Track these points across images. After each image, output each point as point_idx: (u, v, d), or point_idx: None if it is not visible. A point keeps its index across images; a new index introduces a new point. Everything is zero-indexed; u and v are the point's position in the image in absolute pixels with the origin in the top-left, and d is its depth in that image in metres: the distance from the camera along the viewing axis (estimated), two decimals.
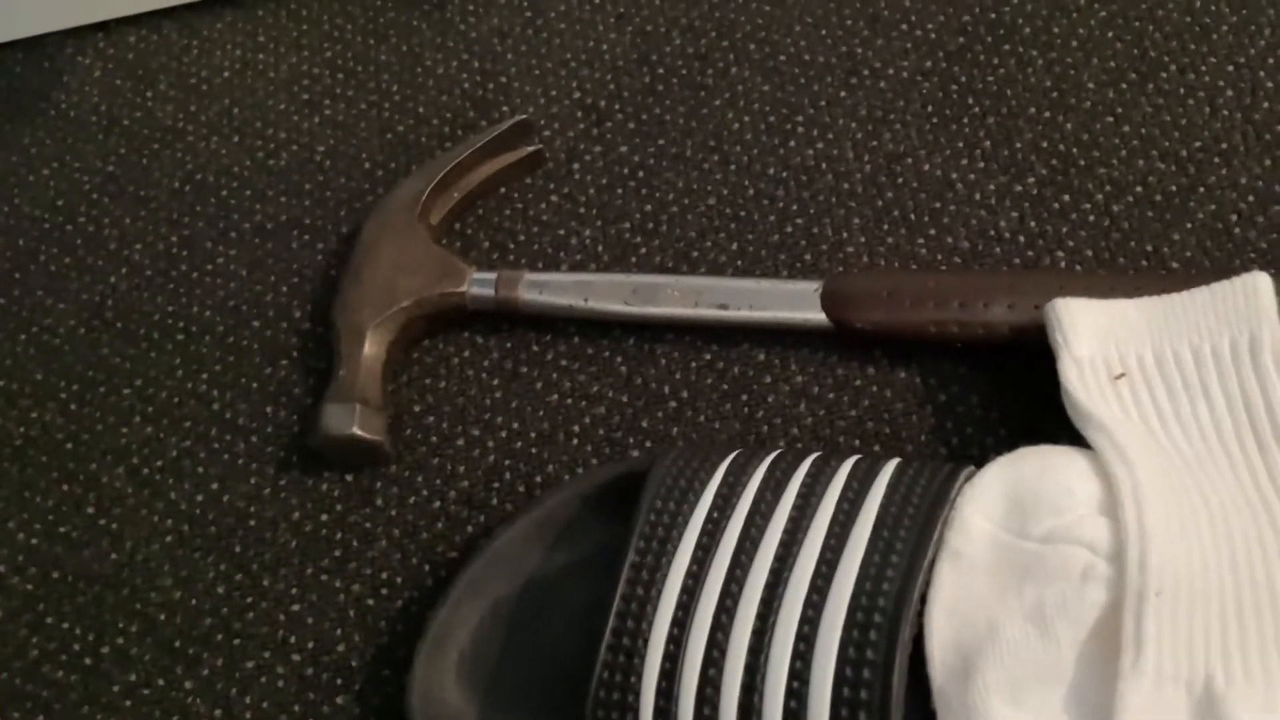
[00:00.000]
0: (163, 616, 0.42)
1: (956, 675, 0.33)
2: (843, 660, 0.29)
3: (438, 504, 0.43)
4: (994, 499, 0.34)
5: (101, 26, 0.57)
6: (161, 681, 0.41)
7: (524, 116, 0.48)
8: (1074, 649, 0.32)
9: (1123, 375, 0.37)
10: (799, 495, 0.34)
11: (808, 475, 0.34)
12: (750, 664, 0.30)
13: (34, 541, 0.44)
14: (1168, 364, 0.37)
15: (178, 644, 0.41)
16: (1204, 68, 0.47)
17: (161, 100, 0.55)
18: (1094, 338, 0.38)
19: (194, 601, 0.42)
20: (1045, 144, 0.47)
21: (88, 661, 0.41)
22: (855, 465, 0.35)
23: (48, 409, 0.47)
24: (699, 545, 0.33)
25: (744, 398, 0.43)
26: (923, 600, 0.33)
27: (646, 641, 0.32)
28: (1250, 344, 0.36)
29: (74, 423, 0.46)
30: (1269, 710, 0.31)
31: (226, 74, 0.55)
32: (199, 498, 0.44)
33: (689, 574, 0.32)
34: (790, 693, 0.29)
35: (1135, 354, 0.37)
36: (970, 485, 0.35)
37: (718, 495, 0.34)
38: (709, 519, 0.34)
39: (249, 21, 0.56)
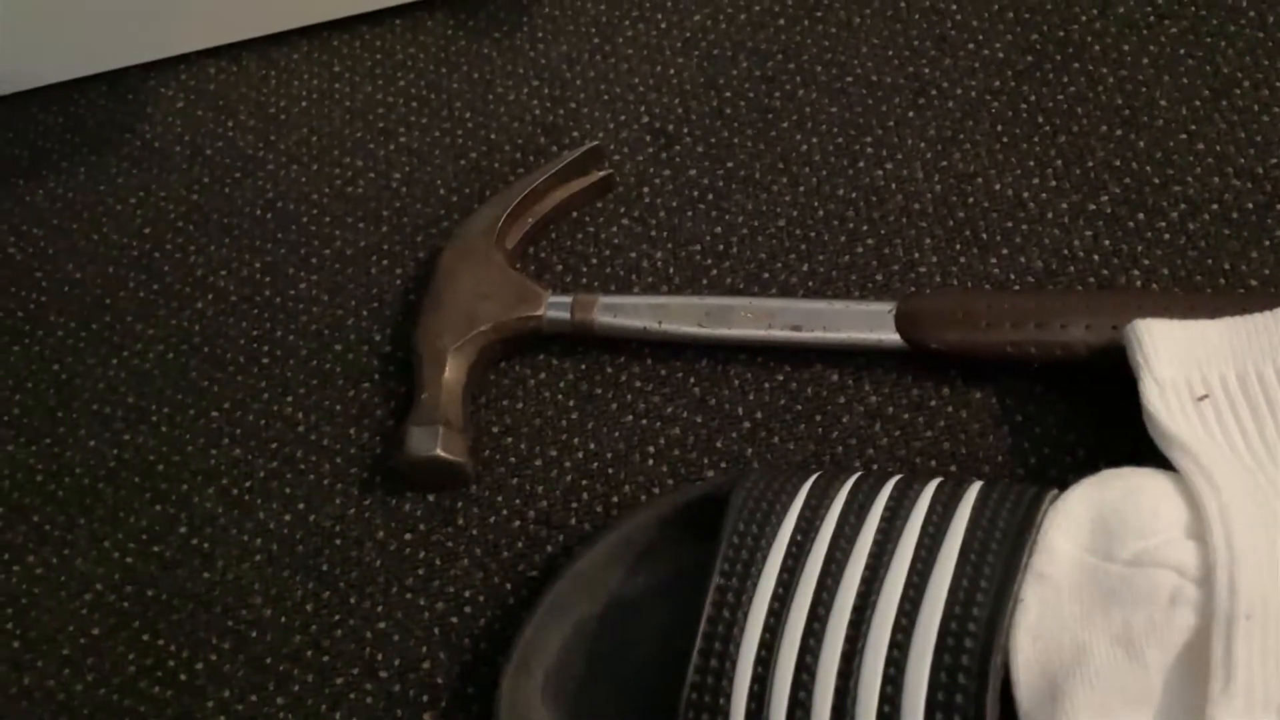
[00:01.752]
0: (254, 634, 0.43)
1: (1043, 698, 0.33)
2: (934, 687, 0.30)
3: (517, 523, 0.44)
4: (1079, 522, 0.34)
5: (182, 59, 0.59)
6: (254, 698, 0.42)
7: (595, 143, 0.49)
8: (1162, 672, 0.32)
9: (1205, 396, 0.37)
10: (883, 519, 0.34)
11: (890, 499, 0.35)
12: (840, 688, 0.31)
13: (129, 560, 0.46)
14: (1251, 385, 0.37)
15: (269, 661, 0.42)
16: (1279, 83, 0.47)
17: (242, 130, 0.57)
18: (1175, 359, 0.38)
19: (284, 619, 0.43)
20: (1118, 162, 0.47)
21: (183, 677, 0.43)
22: (939, 488, 0.35)
23: (140, 431, 0.49)
24: (784, 569, 0.34)
25: (818, 418, 0.44)
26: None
27: (734, 664, 0.32)
28: None
29: (165, 445, 0.48)
30: None
31: (304, 103, 0.57)
32: (287, 518, 0.45)
33: (775, 597, 0.33)
34: (881, 716, 0.30)
35: (1218, 375, 0.37)
36: (1054, 508, 0.35)
37: (800, 519, 0.35)
38: (793, 542, 0.34)
39: (324, 52, 0.58)
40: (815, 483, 0.36)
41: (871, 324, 0.43)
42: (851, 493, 0.35)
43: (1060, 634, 0.34)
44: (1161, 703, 0.32)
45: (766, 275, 0.47)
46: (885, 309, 0.43)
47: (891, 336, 0.43)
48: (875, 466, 0.42)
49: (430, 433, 0.43)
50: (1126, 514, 0.34)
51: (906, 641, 0.31)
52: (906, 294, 0.45)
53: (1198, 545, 0.33)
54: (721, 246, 0.49)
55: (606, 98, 0.53)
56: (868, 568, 0.33)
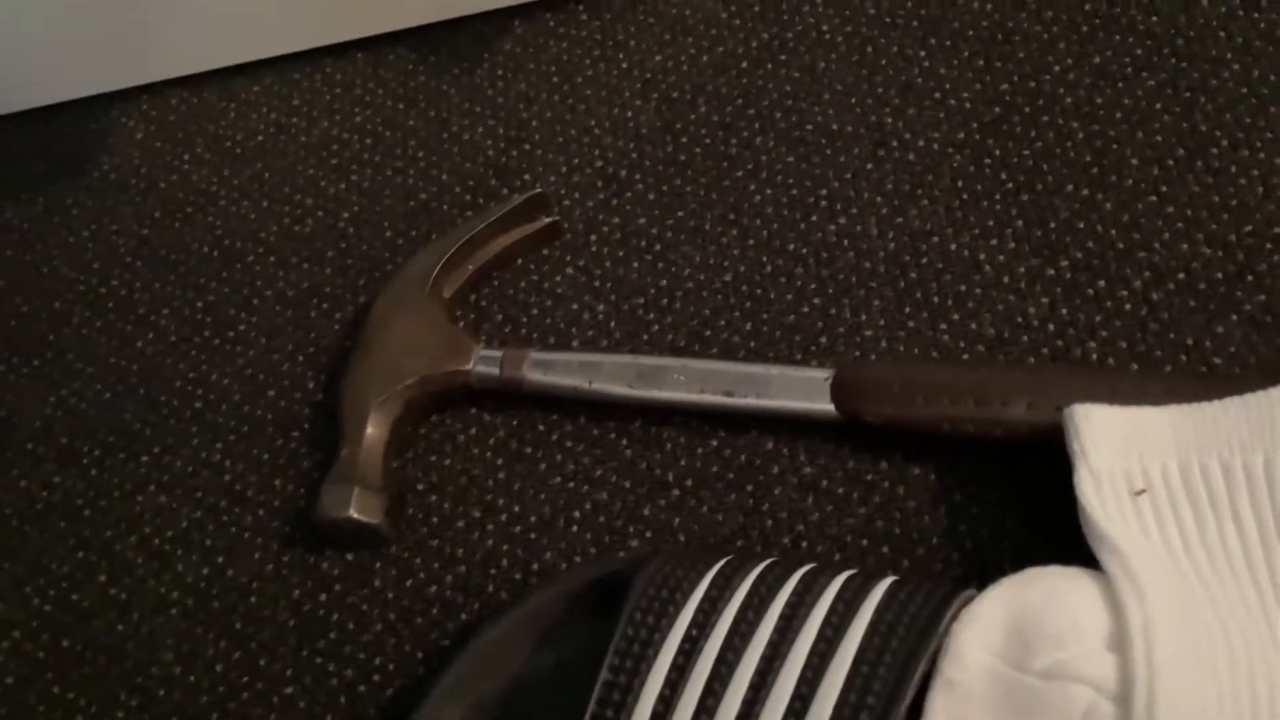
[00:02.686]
0: (162, 692, 0.42)
1: None
2: None
3: (434, 588, 0.42)
4: (993, 627, 0.32)
5: (146, 89, 0.58)
6: None
7: (539, 190, 0.48)
8: None
9: (1144, 491, 0.34)
10: (781, 617, 0.32)
11: (793, 594, 0.33)
12: None
13: (48, 609, 0.45)
14: (1194, 480, 0.34)
15: None
16: (1259, 143, 0.44)
17: (197, 163, 0.56)
18: (1115, 448, 0.35)
19: (192, 678, 0.42)
20: (1082, 224, 0.44)
21: None
22: (845, 584, 0.33)
23: (70, 474, 0.48)
24: (674, 666, 0.32)
25: (749, 488, 0.42)
26: None
27: None
28: (1265, 463, 0.33)
29: (93, 489, 0.47)
30: None
31: (260, 137, 0.56)
32: (205, 571, 0.44)
33: (660, 699, 0.31)
34: None
35: (1160, 466, 0.35)
36: (968, 611, 0.33)
37: (699, 611, 0.33)
38: (687, 637, 0.32)
39: (285, 84, 0.57)
40: (720, 571, 0.34)
41: (806, 392, 0.41)
42: (754, 585, 0.33)
43: None
44: None
45: (709, 333, 0.46)
46: (821, 377, 0.41)
47: (826, 407, 0.41)
48: (804, 543, 0.40)
49: (344, 493, 0.41)
50: (1044, 621, 0.32)
51: None
52: (844, 363, 0.43)
53: (1118, 659, 0.31)
54: (665, 300, 0.47)
55: (561, 140, 0.52)
56: (758, 672, 0.31)
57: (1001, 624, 0.32)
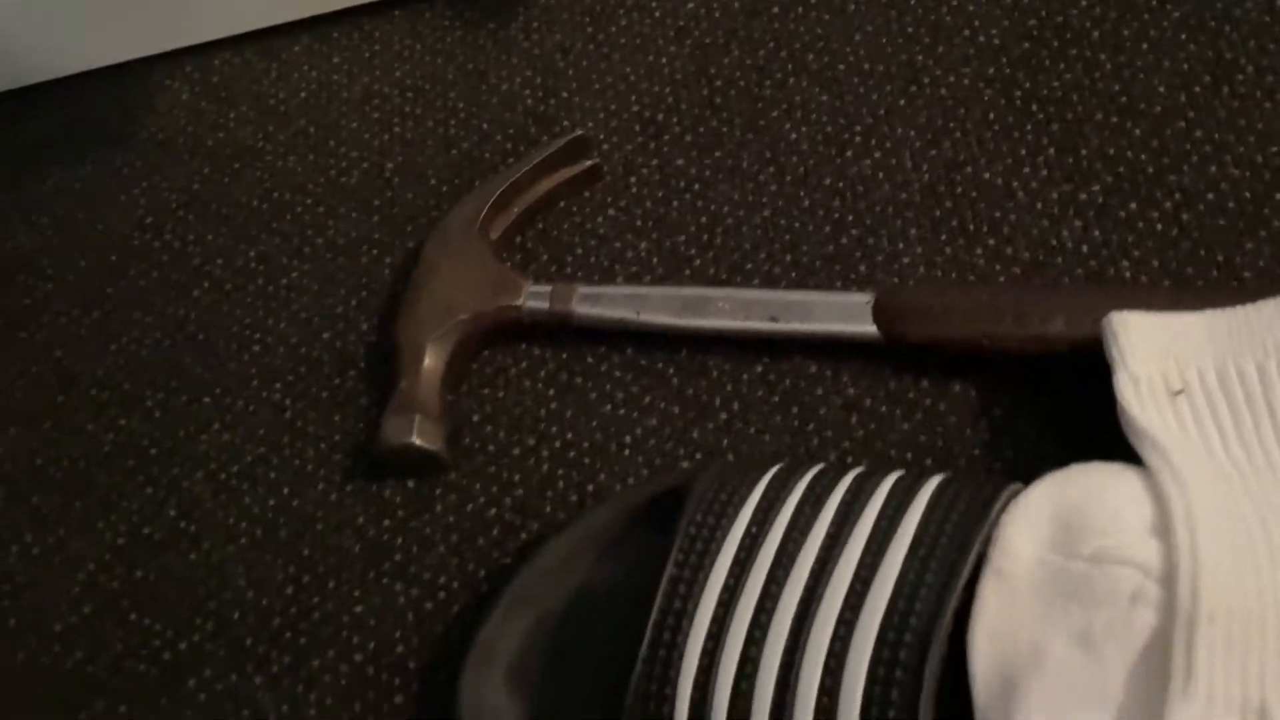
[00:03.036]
0: (235, 615, 0.44)
1: (999, 697, 0.32)
2: (872, 679, 0.29)
3: (493, 511, 0.44)
4: (1040, 518, 0.34)
5: (188, 51, 0.60)
6: (234, 677, 0.43)
7: (581, 132, 0.49)
8: (1121, 672, 0.32)
9: (1181, 391, 0.36)
10: (838, 511, 0.34)
11: (848, 492, 0.34)
12: (782, 678, 0.30)
13: (120, 542, 0.47)
14: (1230, 380, 0.36)
15: (249, 642, 0.43)
16: None
17: (243, 122, 0.57)
18: (1152, 353, 0.37)
19: (264, 602, 0.44)
20: (1112, 151, 0.45)
21: (166, 656, 0.44)
22: (897, 482, 0.34)
23: (134, 417, 0.50)
24: (736, 560, 0.33)
25: (795, 410, 0.43)
26: (965, 620, 0.33)
27: (682, 655, 0.32)
28: None
29: (158, 430, 0.49)
30: None
31: (303, 94, 0.57)
32: (271, 503, 0.46)
33: (725, 588, 0.33)
34: (820, 709, 0.29)
35: (1196, 369, 0.36)
36: (1016, 504, 0.34)
37: (757, 510, 0.35)
38: (747, 534, 0.34)
39: (324, 44, 0.59)
40: (775, 475, 0.36)
41: (849, 316, 0.43)
42: (810, 485, 0.35)
43: (1018, 632, 0.33)
44: (1118, 702, 0.32)
45: (750, 266, 0.47)
46: (863, 301, 0.43)
47: (869, 329, 0.42)
48: (850, 459, 0.42)
49: (406, 421, 0.43)
50: (1089, 511, 0.33)
51: (849, 634, 0.30)
52: (885, 286, 0.44)
53: (1161, 544, 0.32)
54: (706, 237, 0.48)
55: (597, 87, 0.53)
56: (818, 560, 0.32)
57: (1048, 515, 0.34)
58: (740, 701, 0.31)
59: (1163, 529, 0.33)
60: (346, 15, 0.59)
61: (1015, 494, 0.34)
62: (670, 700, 0.32)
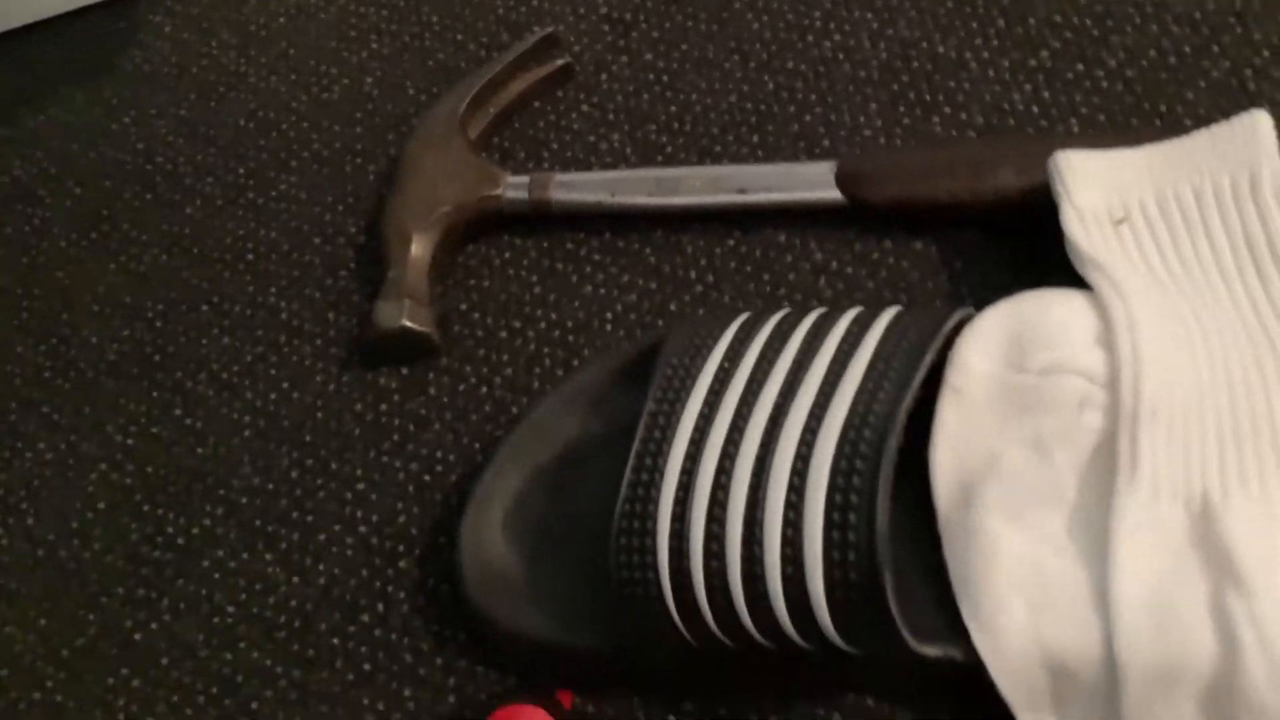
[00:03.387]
0: (244, 500, 0.46)
1: (959, 504, 0.35)
2: (834, 479, 0.31)
3: (485, 390, 0.46)
4: (993, 337, 0.36)
5: None
6: (245, 555, 0.45)
7: (550, 30, 0.51)
8: (1073, 472, 0.34)
9: (1124, 220, 0.38)
10: (803, 343, 0.36)
11: (812, 326, 0.36)
12: (753, 486, 0.33)
13: (130, 442, 0.49)
14: (1169, 206, 0.38)
15: (258, 523, 0.46)
16: None
17: (225, 48, 0.59)
18: (1096, 187, 0.39)
19: (271, 486, 0.46)
20: (1059, 18, 0.47)
21: (180, 542, 0.46)
22: (857, 315, 0.36)
23: (136, 328, 0.52)
24: (710, 391, 0.36)
25: (766, 277, 0.46)
26: (927, 443, 0.35)
27: (662, 477, 0.34)
28: (1251, 181, 0.37)
29: (160, 338, 0.51)
30: (1267, 519, 0.32)
31: (282, 19, 0.59)
32: (272, 396, 0.48)
33: (700, 416, 0.35)
34: (789, 505, 0.32)
35: (1137, 200, 0.38)
36: (970, 326, 0.36)
37: (729, 349, 0.37)
38: (720, 368, 0.36)
39: None
40: (745, 320, 0.38)
41: (814, 184, 0.45)
42: (777, 324, 0.37)
43: (976, 444, 0.35)
44: (1071, 500, 0.34)
45: (719, 149, 0.49)
46: (826, 168, 0.45)
47: (833, 194, 0.44)
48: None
49: (396, 306, 0.45)
50: (1038, 328, 0.35)
51: (813, 440, 0.32)
52: (848, 153, 0.46)
53: (1106, 353, 0.35)
54: (676, 125, 0.50)
55: None
56: (785, 383, 0.35)
57: (1000, 334, 0.36)
58: (716, 510, 0.33)
59: (1107, 338, 0.35)
60: None
61: (968, 317, 0.36)
62: (653, 515, 0.34)
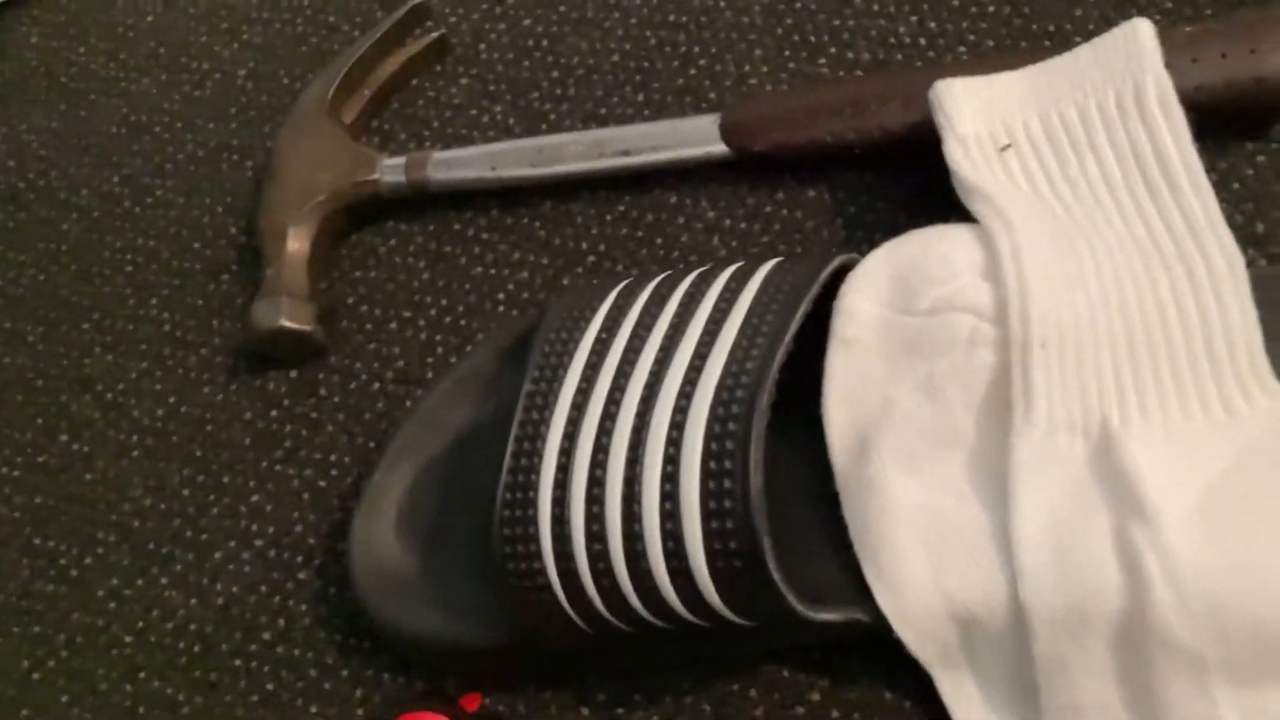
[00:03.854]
0: (136, 524, 0.44)
1: (855, 456, 0.33)
2: (709, 440, 0.30)
3: (377, 385, 0.44)
4: (877, 281, 0.34)
5: None
6: (140, 581, 0.43)
7: (417, 1, 0.49)
8: (968, 412, 0.32)
9: (1009, 146, 0.36)
10: (680, 304, 0.34)
11: (690, 285, 0.35)
12: (630, 458, 0.31)
13: (17, 474, 0.47)
14: (1054, 127, 0.36)
15: (151, 546, 0.43)
16: None
17: (94, 53, 0.56)
18: (978, 114, 0.37)
19: (163, 506, 0.44)
20: None
21: (74, 573, 0.44)
22: (736, 269, 0.35)
23: (19, 352, 0.49)
24: (588, 364, 0.34)
25: (659, 241, 0.44)
26: (805, 389, 0.34)
27: (540, 460, 0.33)
28: (1135, 92, 0.35)
29: (42, 361, 0.49)
30: (1168, 442, 0.31)
31: (150, 17, 0.57)
32: (159, 412, 0.46)
33: (578, 392, 0.33)
34: (665, 476, 0.30)
35: (1022, 124, 0.36)
36: (853, 272, 0.35)
37: (606, 318, 0.35)
38: (597, 340, 0.34)
39: None
40: (624, 286, 0.36)
41: (698, 138, 0.43)
42: (655, 288, 0.35)
43: (868, 393, 0.34)
44: (971, 442, 0.32)
45: (604, 111, 0.47)
46: (709, 121, 0.43)
47: (719, 147, 0.42)
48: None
49: (274, 304, 0.43)
50: (922, 266, 0.34)
51: (688, 404, 0.31)
52: (730, 103, 0.44)
53: (993, 286, 0.33)
54: (559, 90, 0.48)
55: None
56: (661, 348, 0.33)
57: (885, 276, 0.34)
58: (595, 489, 0.31)
59: (993, 271, 0.33)
60: None
61: (850, 263, 0.35)
62: (533, 498, 0.32)
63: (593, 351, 0.34)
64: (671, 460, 0.30)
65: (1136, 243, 0.33)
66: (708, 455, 0.29)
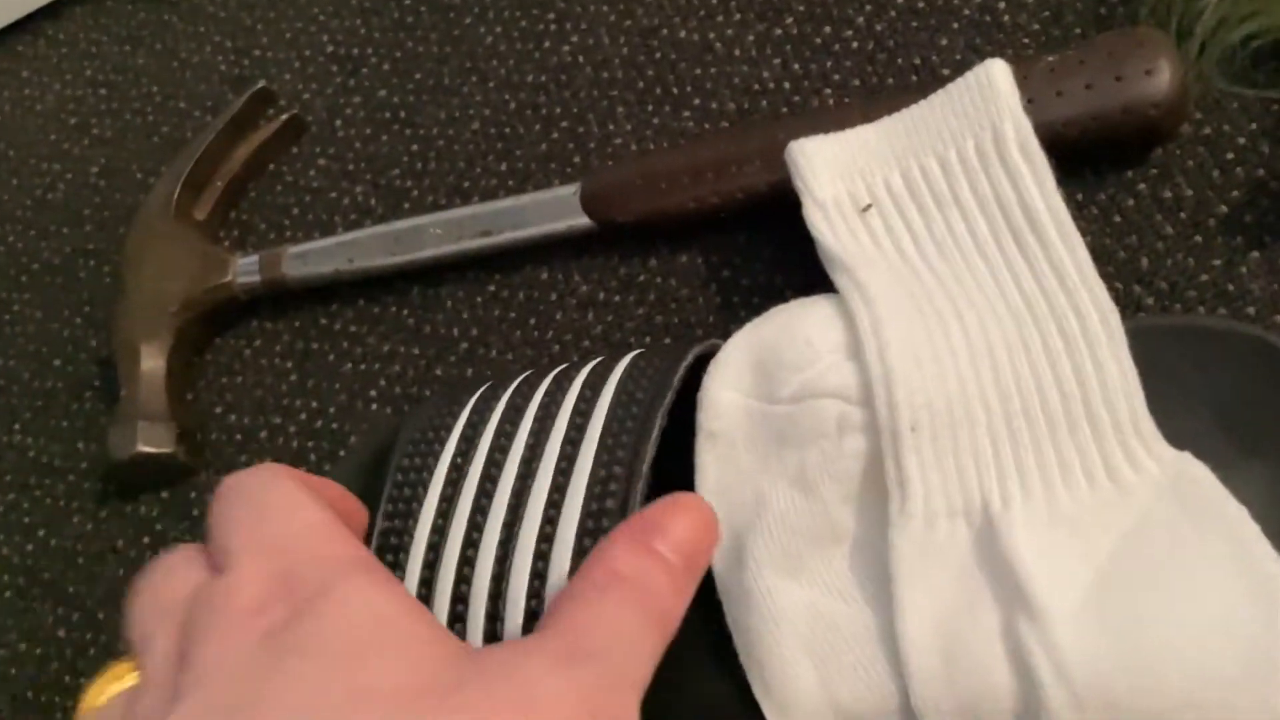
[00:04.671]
0: (13, 671, 0.42)
1: (731, 560, 0.31)
2: (578, 554, 0.28)
3: None
4: (739, 369, 0.32)
5: None
6: None
7: (261, 85, 0.46)
8: (845, 505, 0.30)
9: (870, 206, 0.34)
10: (535, 417, 0.32)
11: (545, 395, 0.32)
12: (493, 591, 0.29)
13: None
14: (915, 181, 0.34)
15: (30, 694, 0.41)
16: None
17: None
18: (836, 174, 0.35)
19: (39, 650, 0.42)
20: None
21: None
22: (591, 371, 0.32)
23: None
24: (443, 498, 0.31)
25: (532, 321, 0.41)
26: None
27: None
28: (995, 139, 0.33)
29: None
30: (1053, 524, 0.29)
31: None
32: (29, 547, 0.44)
33: (434, 530, 0.31)
34: (529, 614, 0.28)
35: (882, 180, 0.34)
36: (715, 360, 0.32)
37: (461, 439, 0.32)
38: (453, 466, 0.32)
39: (10, 59, 0.55)
40: (480, 396, 0.34)
41: (559, 212, 0.41)
42: (510, 398, 0.33)
43: (741, 489, 0.32)
44: (847, 536, 0.31)
45: (468, 184, 0.45)
46: (569, 192, 0.41)
47: (581, 220, 0.40)
48: (591, 355, 0.40)
49: (129, 430, 0.41)
50: (781, 350, 0.32)
51: (556, 518, 0.28)
52: (587, 174, 0.42)
53: (857, 366, 0.31)
54: (419, 165, 0.46)
55: (289, 35, 0.50)
56: (519, 477, 0.30)
57: (746, 364, 0.32)
58: (457, 623, 0.29)
59: (857, 350, 0.31)
60: (28, 23, 0.55)
61: (711, 350, 0.33)
62: None
63: (447, 482, 0.32)
64: (536, 595, 0.28)
65: (1007, 302, 0.31)
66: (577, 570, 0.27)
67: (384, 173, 0.46)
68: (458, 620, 0.29)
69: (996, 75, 0.33)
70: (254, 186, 0.47)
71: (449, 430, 0.33)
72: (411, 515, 0.32)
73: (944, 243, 0.33)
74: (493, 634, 0.29)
